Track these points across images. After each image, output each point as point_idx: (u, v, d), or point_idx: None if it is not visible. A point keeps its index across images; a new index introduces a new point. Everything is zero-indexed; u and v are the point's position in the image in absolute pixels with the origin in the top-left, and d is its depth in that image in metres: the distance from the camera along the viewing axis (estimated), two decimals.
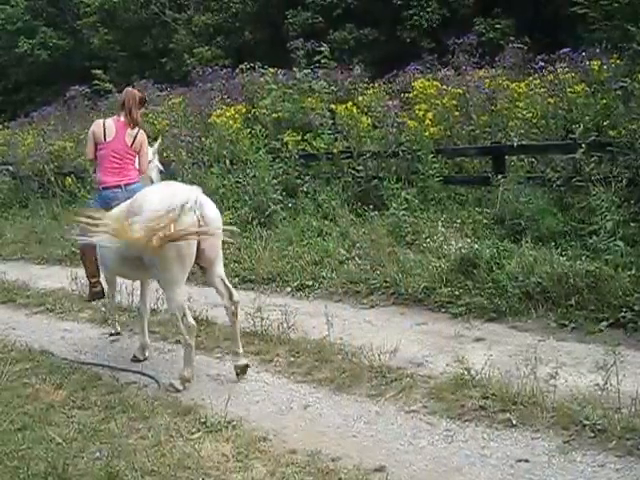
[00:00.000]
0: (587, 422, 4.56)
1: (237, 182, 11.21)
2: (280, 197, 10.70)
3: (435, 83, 11.39)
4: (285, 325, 6.77)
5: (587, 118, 8.99)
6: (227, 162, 11.80)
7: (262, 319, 6.88)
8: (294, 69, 13.93)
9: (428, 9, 18.58)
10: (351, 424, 5.03)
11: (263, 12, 22.07)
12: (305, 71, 13.59)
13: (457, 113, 10.86)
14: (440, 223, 8.58)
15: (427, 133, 10.16)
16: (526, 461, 4.32)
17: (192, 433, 5.02)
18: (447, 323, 6.76)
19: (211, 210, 5.92)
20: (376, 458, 4.52)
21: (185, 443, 4.85)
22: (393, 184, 9.70)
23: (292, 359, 6.24)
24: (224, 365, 6.34)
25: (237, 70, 15.78)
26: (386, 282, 7.58)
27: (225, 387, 5.82)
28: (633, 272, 6.44)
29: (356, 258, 8.30)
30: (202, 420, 5.18)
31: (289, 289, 8.37)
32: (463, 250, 7.38)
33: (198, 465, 4.55)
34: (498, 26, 17.66)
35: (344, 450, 4.65)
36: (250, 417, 5.25)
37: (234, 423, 5.10)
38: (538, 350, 5.65)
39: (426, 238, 8.31)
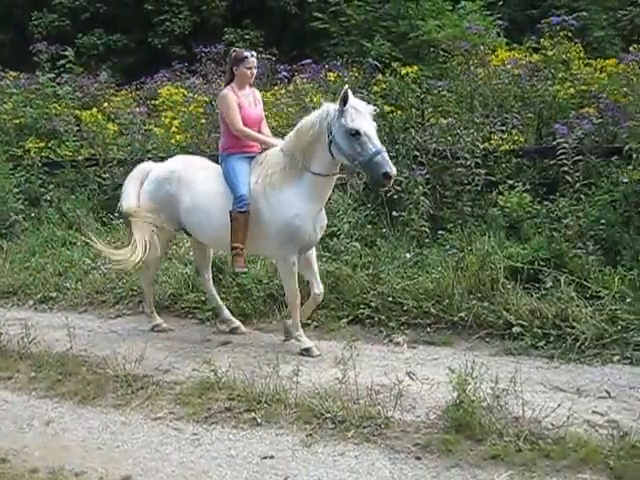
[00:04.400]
0: (328, 415, 4.79)
1: None
2: (22, 206, 10.30)
3: (182, 90, 11.39)
4: (26, 339, 6.45)
5: None
6: None
7: (1, 334, 6.52)
8: (37, 73, 13.35)
9: (180, 16, 18.52)
10: (96, 436, 4.92)
11: (6, 12, 20.82)
12: (49, 75, 13.09)
13: (204, 120, 10.92)
14: None
15: (173, 140, 10.14)
16: (271, 457, 4.46)
17: None
18: (194, 328, 6.83)
19: None
20: (122, 469, 4.45)
21: None
22: None
23: (34, 374, 5.99)
24: None
25: None
26: (132, 291, 7.49)
27: None
28: (370, 271, 6.82)
29: (102, 267, 8.11)
30: None
31: (32, 302, 8.05)
32: None
33: None
34: (247, 36, 17.98)
35: (89, 463, 4.55)
36: None
37: None
38: (282, 349, 5.87)
39: (173, 245, 8.29)
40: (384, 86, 9.42)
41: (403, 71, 9.27)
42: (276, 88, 11.50)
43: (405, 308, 6.44)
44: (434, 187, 7.94)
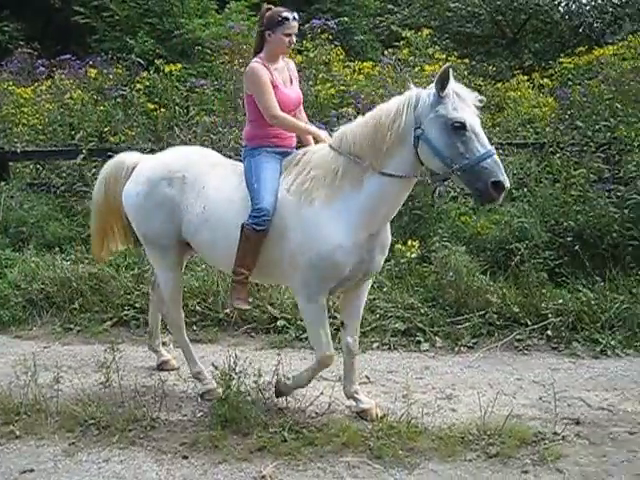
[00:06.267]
0: (92, 421, 4.67)
1: None
2: None
3: None
4: None
5: (87, 124, 9.12)
6: None
7: None
8: None
9: None
10: None
11: None
12: None
13: None
14: None
15: None
16: (31, 471, 4.27)
17: None
18: None
19: None
20: None
21: None
22: None
23: None
24: None
25: None
26: None
27: None
28: (135, 271, 6.71)
29: None
30: None
31: None
32: None
33: None
34: (7, 29, 17.16)
35: None
36: None
37: None
38: (42, 357, 5.68)
39: None
40: (148, 83, 9.37)
41: (167, 69, 9.27)
42: (37, 84, 11.07)
43: None
44: None
